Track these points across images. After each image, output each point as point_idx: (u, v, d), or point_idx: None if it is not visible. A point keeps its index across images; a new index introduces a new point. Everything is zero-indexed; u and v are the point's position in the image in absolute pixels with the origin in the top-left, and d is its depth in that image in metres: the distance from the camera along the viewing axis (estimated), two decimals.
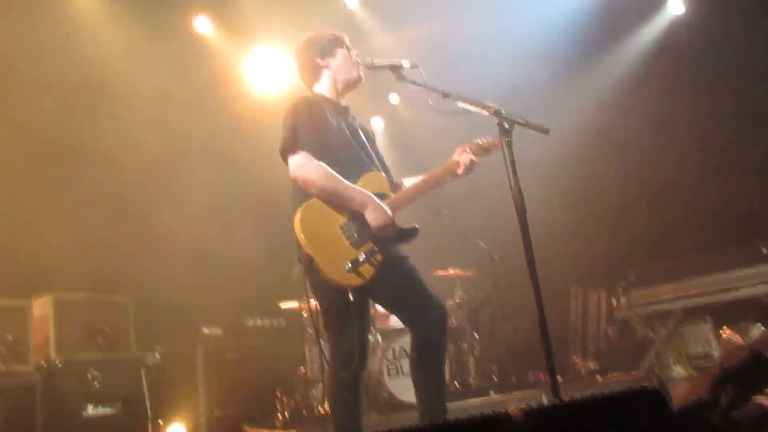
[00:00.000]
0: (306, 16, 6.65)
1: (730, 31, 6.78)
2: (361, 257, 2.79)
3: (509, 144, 2.63)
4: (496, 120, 2.68)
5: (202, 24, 7.15)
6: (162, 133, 6.41)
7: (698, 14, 7.32)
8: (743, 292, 5.57)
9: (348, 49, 3.20)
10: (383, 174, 3.11)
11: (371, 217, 2.86)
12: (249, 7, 6.87)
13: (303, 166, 2.85)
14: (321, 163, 2.86)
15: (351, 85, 3.21)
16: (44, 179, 5.83)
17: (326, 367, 2.90)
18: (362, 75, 3.19)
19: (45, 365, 4.91)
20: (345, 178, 2.90)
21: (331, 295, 2.85)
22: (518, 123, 2.66)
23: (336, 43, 3.19)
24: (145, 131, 6.35)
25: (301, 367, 5.99)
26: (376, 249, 2.84)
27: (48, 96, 5.81)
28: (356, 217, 2.88)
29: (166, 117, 6.44)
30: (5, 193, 5.56)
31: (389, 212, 2.91)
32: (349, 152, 3.00)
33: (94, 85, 6.19)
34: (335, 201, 2.87)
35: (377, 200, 2.91)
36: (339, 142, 2.99)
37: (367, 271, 2.80)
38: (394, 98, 8.96)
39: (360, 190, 2.91)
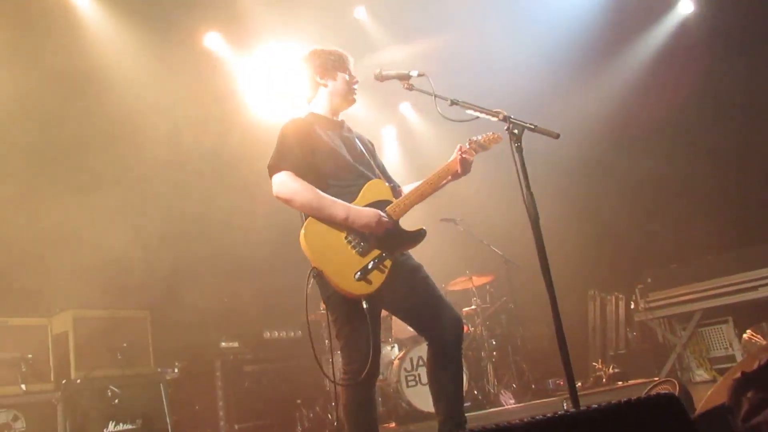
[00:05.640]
0: (316, 27, 6.68)
1: (740, 29, 6.73)
2: (370, 265, 2.80)
3: (519, 150, 2.62)
4: (505, 126, 2.68)
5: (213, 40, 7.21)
6: (173, 148, 6.47)
7: (708, 13, 7.27)
8: (762, 291, 5.51)
9: (350, 74, 3.21)
10: (384, 182, 3.10)
11: (364, 229, 2.85)
12: (259, 17, 6.90)
13: (283, 184, 2.85)
14: (302, 181, 2.85)
15: (343, 108, 3.23)
16: (60, 195, 5.88)
17: (336, 377, 2.89)
18: (355, 100, 3.22)
19: (65, 383, 4.95)
20: (344, 191, 2.91)
21: (342, 305, 2.86)
22: (528, 128, 2.64)
23: (339, 65, 3.19)
24: (160, 146, 6.41)
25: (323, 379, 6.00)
26: (384, 254, 2.84)
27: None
28: None
29: (177, 131, 6.51)
30: (23, 213, 5.63)
31: (376, 213, 2.87)
32: (343, 166, 2.99)
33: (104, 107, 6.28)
34: (318, 217, 2.84)
35: (358, 209, 2.87)
36: (333, 158, 2.98)
37: (376, 278, 2.79)
38: (405, 108, 8.98)
39: (342, 204, 2.86)
